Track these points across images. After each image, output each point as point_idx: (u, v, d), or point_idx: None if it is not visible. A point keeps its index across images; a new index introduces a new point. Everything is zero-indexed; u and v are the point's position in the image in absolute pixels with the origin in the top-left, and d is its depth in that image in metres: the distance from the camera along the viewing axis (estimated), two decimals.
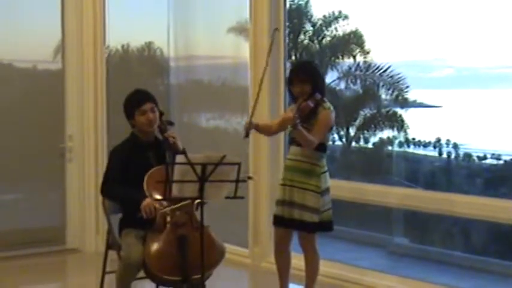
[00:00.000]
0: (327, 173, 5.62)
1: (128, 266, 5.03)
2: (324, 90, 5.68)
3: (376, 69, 8.89)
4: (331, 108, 5.60)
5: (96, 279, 5.84)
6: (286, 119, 5.45)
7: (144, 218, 5.01)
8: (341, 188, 6.44)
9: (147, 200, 5.02)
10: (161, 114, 5.45)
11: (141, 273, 5.14)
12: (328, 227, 5.65)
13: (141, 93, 5.46)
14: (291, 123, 5.35)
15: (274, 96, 7.02)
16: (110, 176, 5.33)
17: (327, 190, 5.61)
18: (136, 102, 5.36)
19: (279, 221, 5.70)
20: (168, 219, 5.07)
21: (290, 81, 5.63)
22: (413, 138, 8.73)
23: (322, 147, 5.56)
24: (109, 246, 5.58)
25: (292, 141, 5.66)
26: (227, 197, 4.98)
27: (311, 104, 5.49)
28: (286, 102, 7.01)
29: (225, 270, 5.53)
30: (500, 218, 5.88)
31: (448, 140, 8.36)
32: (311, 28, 9.51)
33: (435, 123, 8.69)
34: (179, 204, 4.98)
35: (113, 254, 5.48)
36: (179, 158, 4.86)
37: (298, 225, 5.59)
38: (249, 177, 5.04)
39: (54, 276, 7.07)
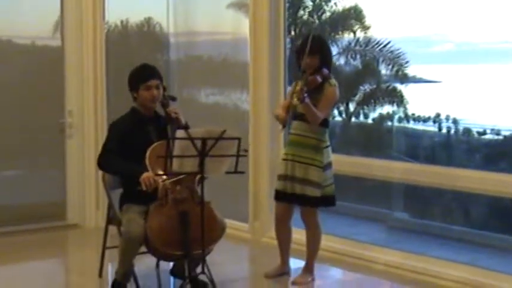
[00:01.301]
0: (329, 148, 5.62)
1: (129, 241, 5.05)
2: (330, 66, 5.66)
3: (376, 44, 8.89)
4: (337, 84, 5.60)
5: (97, 254, 5.87)
6: (294, 92, 5.43)
7: (144, 190, 5.02)
8: (341, 162, 6.43)
9: (147, 173, 5.03)
10: (164, 89, 5.46)
11: (143, 248, 5.16)
12: (331, 202, 5.66)
13: (149, 68, 5.46)
14: (299, 96, 5.33)
15: (274, 71, 7.01)
16: (108, 148, 5.33)
17: (329, 165, 5.61)
18: (142, 76, 5.36)
19: (281, 196, 5.71)
20: (170, 194, 5.09)
21: (299, 53, 5.58)
22: (413, 114, 8.74)
23: (325, 122, 5.56)
24: (109, 221, 5.61)
25: (295, 116, 5.63)
26: (227, 172, 5.00)
27: (319, 78, 5.47)
28: (286, 78, 7.00)
29: (225, 244, 5.56)
30: (499, 192, 5.88)
31: (447, 115, 8.37)
32: (311, 3, 9.49)
33: (435, 98, 8.69)
34: (178, 177, 5.01)
35: (113, 230, 5.51)
36: (179, 133, 4.87)
37: (300, 199, 5.60)
38: (245, 150, 5.05)
39: (54, 251, 7.08)
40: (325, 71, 5.53)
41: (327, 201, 5.62)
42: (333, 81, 5.57)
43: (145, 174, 5.02)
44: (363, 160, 7.08)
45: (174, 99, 5.46)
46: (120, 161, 5.21)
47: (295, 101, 5.41)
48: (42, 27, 7.83)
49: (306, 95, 5.31)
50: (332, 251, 6.51)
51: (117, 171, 5.35)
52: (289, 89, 5.96)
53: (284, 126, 5.59)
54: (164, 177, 5.03)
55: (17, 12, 7.54)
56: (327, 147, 5.59)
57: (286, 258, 5.95)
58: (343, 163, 6.57)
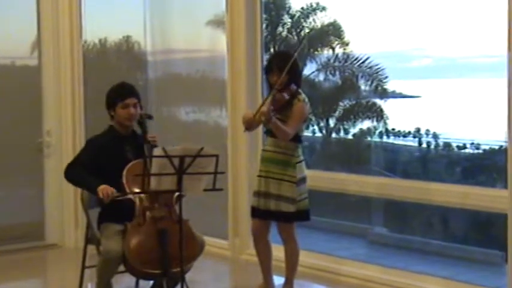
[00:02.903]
0: (303, 163, 5.63)
1: (108, 261, 5.02)
2: (300, 82, 5.68)
3: (355, 60, 8.90)
4: (306, 100, 5.61)
5: (76, 274, 5.80)
6: (261, 113, 5.43)
7: (102, 201, 5.00)
8: (321, 178, 6.46)
9: (105, 185, 5.01)
10: (140, 108, 5.45)
11: (122, 268, 5.13)
12: (304, 216, 5.67)
13: (127, 86, 5.46)
14: (266, 117, 5.33)
15: (252, 88, 7.03)
16: (77, 160, 5.34)
17: (303, 180, 5.62)
18: (120, 95, 5.35)
19: (255, 212, 5.72)
20: (148, 212, 5.07)
21: (267, 70, 5.65)
22: (393, 129, 8.75)
23: (296, 137, 5.57)
24: (88, 240, 5.57)
25: (267, 132, 5.68)
26: (206, 189, 4.99)
27: (286, 96, 5.49)
28: (263, 94, 7.01)
29: (205, 262, 5.54)
30: (478, 206, 5.91)
31: (427, 130, 8.38)
32: (289, 20, 9.50)
33: (414, 113, 8.71)
34: (128, 196, 5.01)
35: (92, 249, 5.47)
36: (157, 151, 4.86)
37: (275, 215, 5.61)
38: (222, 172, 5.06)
39: (33, 272, 7.05)
40: (293, 87, 5.55)
41: (301, 216, 5.62)
42: (302, 96, 5.58)
43: (102, 186, 5.00)
44: (343, 176, 7.08)
45: (150, 117, 5.45)
46: (83, 173, 5.19)
47: (262, 119, 5.40)
48: (20, 46, 7.81)
49: (272, 114, 5.32)
50: (312, 267, 6.50)
51: (77, 182, 5.34)
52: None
53: (247, 129, 5.63)
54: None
55: None
56: (299, 162, 5.60)
57: (268, 276, 5.92)
58: (323, 179, 6.58)
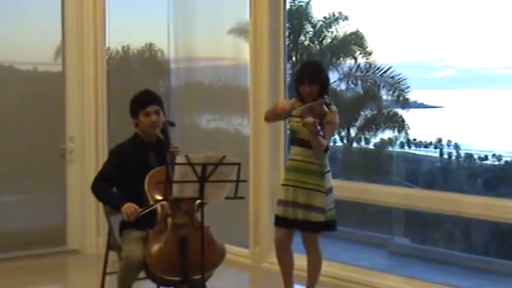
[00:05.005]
0: (330, 173, 5.60)
1: (129, 267, 5.03)
2: (328, 92, 5.65)
3: (377, 70, 8.90)
4: (337, 110, 5.59)
5: (97, 280, 5.83)
6: (307, 124, 5.35)
7: (127, 220, 5.02)
8: (341, 188, 6.43)
9: (128, 203, 5.03)
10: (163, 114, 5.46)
11: (142, 274, 5.14)
12: (332, 227, 5.64)
13: (148, 94, 5.46)
14: (312, 128, 5.28)
15: (274, 97, 7.03)
16: (102, 173, 5.38)
17: (330, 189, 5.59)
18: (142, 103, 5.37)
19: (281, 222, 5.67)
20: (169, 219, 5.08)
21: (300, 81, 5.58)
22: (414, 139, 8.73)
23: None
24: (110, 247, 5.58)
25: (293, 141, 5.64)
26: (227, 197, 4.99)
27: (325, 108, 5.41)
28: None
29: (225, 270, 5.53)
30: (500, 217, 5.88)
31: (449, 141, 8.36)
32: (311, 29, 9.51)
33: (436, 123, 8.69)
34: (151, 207, 5.02)
35: (113, 255, 5.48)
36: (179, 159, 4.87)
37: (303, 225, 5.57)
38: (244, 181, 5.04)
39: (55, 277, 7.07)
40: (327, 99, 5.49)
41: (328, 226, 5.61)
42: (334, 107, 5.55)
43: (126, 205, 5.02)
44: (364, 185, 7.08)
45: (172, 124, 5.46)
46: (106, 190, 5.24)
47: (313, 137, 5.35)
48: (44, 52, 7.86)
49: (319, 128, 5.28)
50: (333, 277, 6.49)
51: (102, 199, 5.37)
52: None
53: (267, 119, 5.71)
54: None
55: (18, 38, 7.58)
56: (328, 172, 5.58)
57: (290, 285, 5.89)
58: (344, 188, 6.57)
